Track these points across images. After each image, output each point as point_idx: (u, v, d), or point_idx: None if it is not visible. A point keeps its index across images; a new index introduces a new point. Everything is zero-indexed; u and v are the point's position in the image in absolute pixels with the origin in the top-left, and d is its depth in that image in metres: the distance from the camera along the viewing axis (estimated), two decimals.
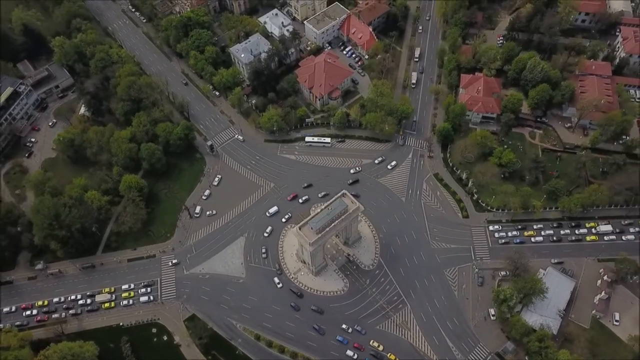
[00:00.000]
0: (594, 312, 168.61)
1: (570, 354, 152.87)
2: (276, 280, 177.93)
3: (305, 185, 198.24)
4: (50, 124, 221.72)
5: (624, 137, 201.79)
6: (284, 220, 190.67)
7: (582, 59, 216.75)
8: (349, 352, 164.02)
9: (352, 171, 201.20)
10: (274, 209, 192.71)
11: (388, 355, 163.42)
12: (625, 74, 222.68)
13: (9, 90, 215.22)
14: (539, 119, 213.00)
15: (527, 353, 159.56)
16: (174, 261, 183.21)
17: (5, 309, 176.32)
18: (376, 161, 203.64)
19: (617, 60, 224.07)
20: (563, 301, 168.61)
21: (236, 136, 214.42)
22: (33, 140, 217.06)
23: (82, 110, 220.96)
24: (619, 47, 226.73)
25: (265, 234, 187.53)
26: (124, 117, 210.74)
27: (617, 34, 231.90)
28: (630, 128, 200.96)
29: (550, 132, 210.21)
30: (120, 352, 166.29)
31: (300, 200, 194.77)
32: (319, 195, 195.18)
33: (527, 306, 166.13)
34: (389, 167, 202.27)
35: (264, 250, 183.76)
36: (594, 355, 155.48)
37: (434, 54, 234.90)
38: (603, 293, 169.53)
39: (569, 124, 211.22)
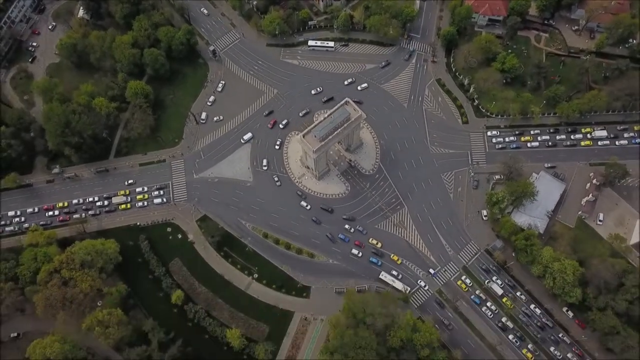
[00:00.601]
0: (580, 212, 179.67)
1: (554, 250, 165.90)
2: (304, 204, 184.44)
3: (267, 113, 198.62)
4: (50, 27, 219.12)
5: (631, 40, 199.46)
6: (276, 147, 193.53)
7: None
8: (354, 251, 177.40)
9: (312, 92, 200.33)
10: (248, 136, 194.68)
11: (391, 256, 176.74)
12: None
13: None
14: (546, 21, 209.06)
15: (514, 250, 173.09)
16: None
17: (29, 210, 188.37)
18: (346, 82, 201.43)
19: None
20: (552, 203, 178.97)
21: (202, 9, 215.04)
22: (35, 44, 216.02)
23: (81, 12, 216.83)
24: None
25: (264, 167, 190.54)
26: (124, 21, 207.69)
27: None
28: (638, 31, 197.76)
29: (556, 36, 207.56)
30: (140, 248, 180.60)
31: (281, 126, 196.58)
32: (300, 115, 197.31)
33: (517, 208, 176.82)
34: (358, 88, 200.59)
35: (273, 171, 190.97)
36: (575, 251, 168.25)
37: None
38: (590, 195, 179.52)
39: (576, 27, 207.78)
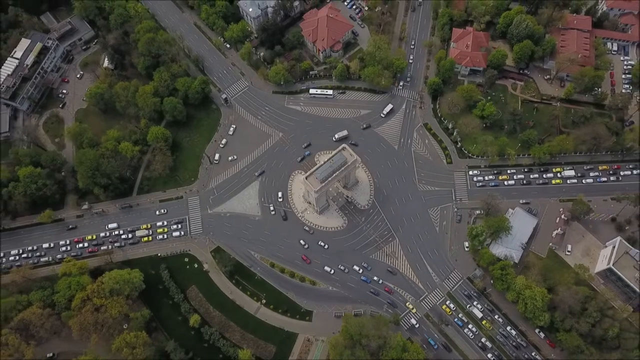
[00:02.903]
0: (550, 244, 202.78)
1: (526, 279, 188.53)
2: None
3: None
4: (78, 76, 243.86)
5: (595, 89, 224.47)
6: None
7: (565, 14, 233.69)
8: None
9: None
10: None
11: (379, 281, 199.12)
12: (605, 26, 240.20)
13: (39, 46, 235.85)
14: (521, 71, 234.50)
15: (492, 278, 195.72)
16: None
17: (62, 242, 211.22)
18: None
19: (599, 13, 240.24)
20: (526, 235, 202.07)
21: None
22: (64, 91, 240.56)
23: (106, 63, 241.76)
24: (601, 1, 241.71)
25: None
26: (146, 71, 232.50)
27: None
28: (601, 82, 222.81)
29: (530, 84, 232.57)
30: (161, 277, 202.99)
31: None
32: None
33: (495, 240, 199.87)
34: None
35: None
36: (545, 279, 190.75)
37: (429, 4, 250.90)
38: (560, 229, 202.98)
39: (548, 76, 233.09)
